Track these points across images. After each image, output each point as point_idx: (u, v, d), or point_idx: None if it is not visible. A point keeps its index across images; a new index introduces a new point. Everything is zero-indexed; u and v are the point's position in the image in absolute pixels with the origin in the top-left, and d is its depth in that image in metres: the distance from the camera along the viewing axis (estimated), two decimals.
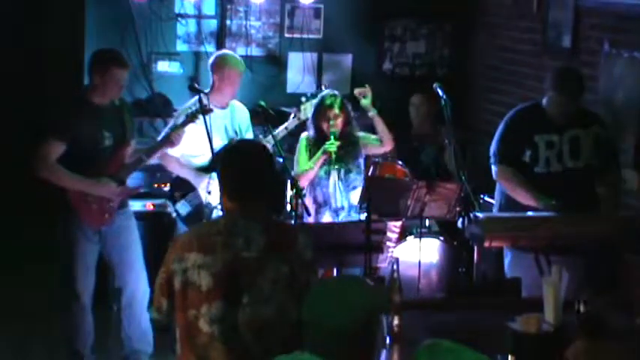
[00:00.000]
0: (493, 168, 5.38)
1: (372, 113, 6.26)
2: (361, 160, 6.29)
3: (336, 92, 6.23)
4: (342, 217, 6.14)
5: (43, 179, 5.26)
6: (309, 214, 5.79)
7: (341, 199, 6.15)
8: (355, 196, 6.16)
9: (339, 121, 6.10)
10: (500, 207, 5.47)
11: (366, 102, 6.30)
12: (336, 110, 6.08)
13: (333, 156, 6.04)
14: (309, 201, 6.08)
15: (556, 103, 5.22)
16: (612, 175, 5.40)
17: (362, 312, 2.79)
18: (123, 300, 5.59)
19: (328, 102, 6.10)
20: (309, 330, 2.82)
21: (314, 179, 6.14)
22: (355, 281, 2.96)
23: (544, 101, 5.30)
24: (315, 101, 6.17)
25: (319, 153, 6.07)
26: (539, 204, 5.13)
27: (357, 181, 6.19)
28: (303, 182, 6.03)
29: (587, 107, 5.54)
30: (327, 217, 6.14)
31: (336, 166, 6.14)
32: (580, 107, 5.35)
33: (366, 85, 6.40)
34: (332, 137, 6.03)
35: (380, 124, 6.26)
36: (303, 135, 6.22)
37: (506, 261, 5.35)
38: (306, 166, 6.11)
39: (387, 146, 6.33)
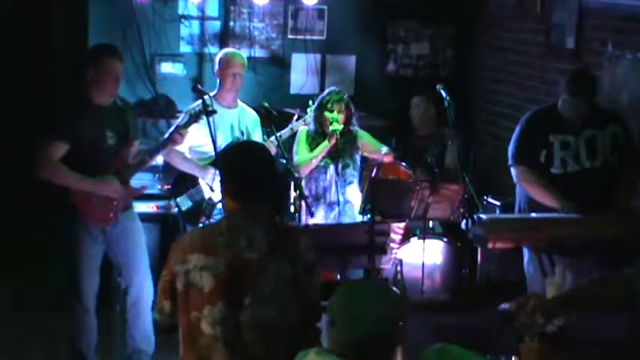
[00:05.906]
0: (512, 170, 5.39)
1: (385, 150, 6.27)
2: (358, 156, 6.30)
3: (339, 89, 6.27)
4: (336, 212, 6.16)
5: (46, 180, 5.24)
6: (312, 215, 5.79)
7: (336, 193, 6.17)
8: (351, 191, 6.18)
9: (341, 117, 6.12)
10: (520, 209, 5.48)
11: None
12: (339, 107, 6.11)
13: (339, 135, 6.04)
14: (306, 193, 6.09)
15: (570, 106, 5.24)
16: (631, 172, 5.39)
17: (387, 318, 2.84)
18: (128, 300, 5.57)
19: (332, 98, 6.13)
20: (333, 331, 2.86)
21: (313, 171, 6.15)
22: (382, 288, 2.99)
23: (559, 104, 5.31)
24: (319, 97, 6.21)
25: (325, 142, 6.08)
26: (558, 206, 5.14)
27: (353, 176, 6.23)
28: (305, 171, 6.04)
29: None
30: (320, 212, 6.15)
31: (335, 160, 6.16)
32: (597, 107, 5.36)
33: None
34: (333, 121, 6.05)
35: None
36: (303, 128, 6.22)
37: (525, 259, 5.38)
38: (310, 155, 6.12)
39: (387, 158, 6.30)
